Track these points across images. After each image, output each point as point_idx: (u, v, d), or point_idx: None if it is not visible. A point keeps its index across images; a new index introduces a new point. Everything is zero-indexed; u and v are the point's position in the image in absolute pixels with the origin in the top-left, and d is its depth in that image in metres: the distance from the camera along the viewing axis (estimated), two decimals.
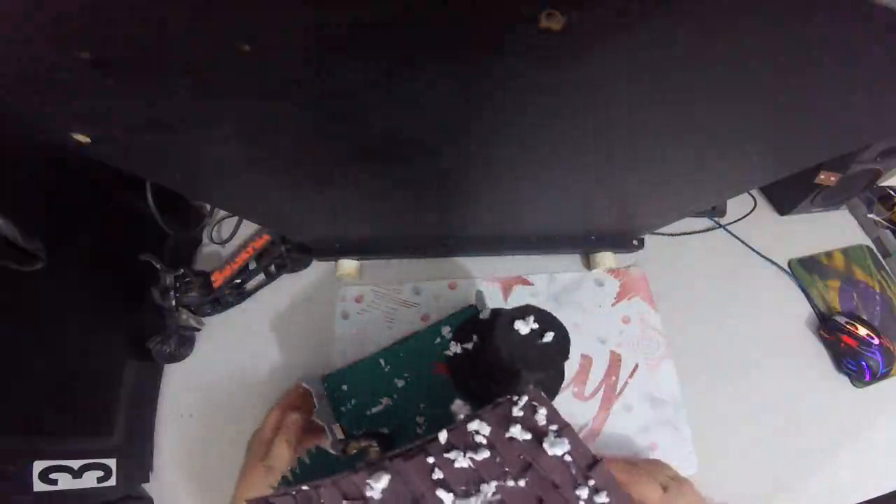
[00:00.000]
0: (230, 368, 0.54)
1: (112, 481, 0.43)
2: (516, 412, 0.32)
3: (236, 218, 0.61)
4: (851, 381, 0.54)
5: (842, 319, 0.55)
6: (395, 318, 0.55)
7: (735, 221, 0.63)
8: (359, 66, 0.20)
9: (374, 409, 0.47)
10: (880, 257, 0.63)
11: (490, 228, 0.53)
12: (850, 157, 0.53)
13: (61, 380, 0.42)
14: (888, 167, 0.56)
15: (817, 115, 0.25)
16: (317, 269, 0.60)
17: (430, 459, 0.29)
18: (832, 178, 0.55)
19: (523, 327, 0.38)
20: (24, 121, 0.27)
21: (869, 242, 0.64)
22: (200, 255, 0.61)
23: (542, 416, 0.32)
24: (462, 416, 0.34)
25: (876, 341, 0.52)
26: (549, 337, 0.38)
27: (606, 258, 0.58)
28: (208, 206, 0.63)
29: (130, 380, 0.49)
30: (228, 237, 0.61)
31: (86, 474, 0.41)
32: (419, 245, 0.58)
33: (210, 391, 0.53)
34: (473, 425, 0.31)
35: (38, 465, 0.38)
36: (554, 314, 0.39)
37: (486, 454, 0.29)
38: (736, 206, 0.64)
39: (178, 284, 0.52)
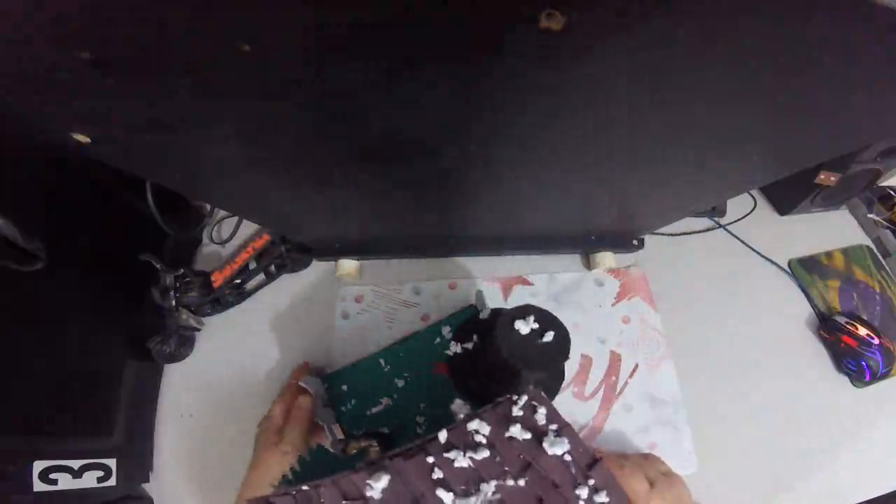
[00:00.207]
0: (230, 368, 0.54)
1: (112, 481, 0.43)
2: (516, 412, 0.32)
3: (236, 218, 0.61)
4: (851, 381, 0.54)
5: (842, 319, 0.55)
6: (395, 318, 0.55)
7: (735, 221, 0.63)
8: (359, 66, 0.20)
9: (374, 409, 0.47)
10: (880, 257, 0.63)
11: (490, 228, 0.53)
12: (850, 157, 0.53)
13: (61, 380, 0.42)
14: (888, 167, 0.56)
15: (817, 116, 0.25)
16: (317, 269, 0.60)
17: (430, 459, 0.29)
18: (832, 178, 0.55)
19: (523, 327, 0.38)
20: (24, 121, 0.27)
21: (869, 242, 0.64)
22: (200, 255, 0.61)
23: (541, 415, 0.32)
24: (462, 416, 0.34)
25: (876, 341, 0.52)
26: (549, 336, 0.38)
27: (606, 258, 0.58)
28: (208, 206, 0.63)
29: (130, 380, 0.49)
30: (228, 237, 0.61)
31: (86, 474, 0.41)
32: (419, 245, 0.58)
33: (210, 391, 0.53)
34: (473, 425, 0.31)
35: (38, 465, 0.38)
36: (554, 314, 0.39)
37: (485, 454, 0.29)
38: (736, 206, 0.64)
39: (178, 284, 0.52)
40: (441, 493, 0.27)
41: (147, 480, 0.48)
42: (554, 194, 0.41)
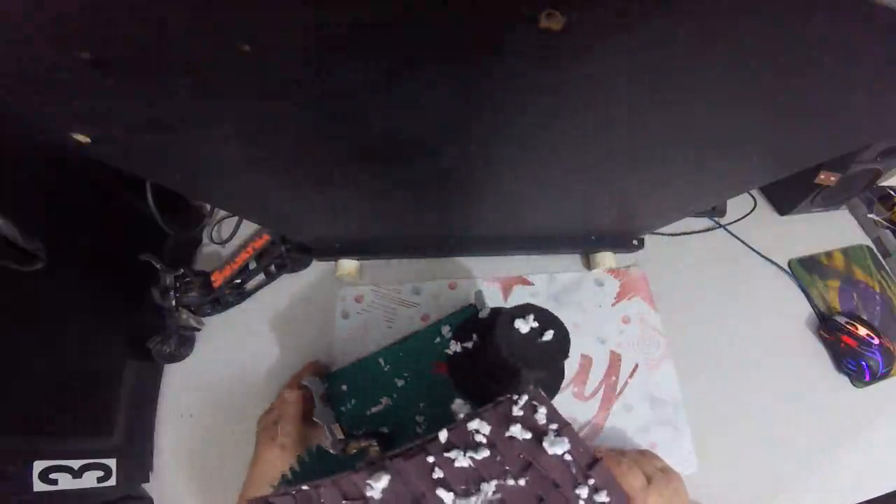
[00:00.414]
0: (230, 368, 0.54)
1: (112, 481, 0.44)
2: (516, 411, 0.32)
3: (236, 218, 0.61)
4: (851, 381, 0.54)
5: (842, 319, 0.55)
6: (395, 317, 0.55)
7: (735, 221, 0.63)
8: (359, 66, 0.20)
9: (374, 409, 0.47)
10: (880, 257, 0.63)
11: (490, 228, 0.53)
12: (850, 157, 0.53)
13: (61, 380, 0.42)
14: (888, 167, 0.56)
15: (817, 116, 0.25)
16: (317, 269, 0.60)
17: (430, 459, 0.29)
18: (832, 178, 0.55)
19: (523, 326, 0.38)
20: (24, 121, 0.27)
21: (869, 242, 0.64)
22: (200, 255, 0.61)
23: (542, 415, 0.32)
24: (462, 416, 0.34)
25: (876, 341, 0.52)
26: (549, 335, 0.38)
27: (606, 258, 0.58)
28: (208, 206, 0.63)
29: (130, 380, 0.49)
30: (228, 237, 0.61)
31: (86, 474, 0.41)
32: (419, 245, 0.58)
33: (210, 391, 0.53)
34: (473, 424, 0.31)
35: (38, 465, 0.38)
36: (554, 313, 0.39)
37: (486, 453, 0.29)
38: (736, 206, 0.64)
39: (178, 284, 0.52)
40: (441, 492, 0.27)
41: (147, 480, 0.48)
42: (554, 194, 0.41)
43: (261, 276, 0.57)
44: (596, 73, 0.21)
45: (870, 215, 0.64)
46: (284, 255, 0.56)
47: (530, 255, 0.59)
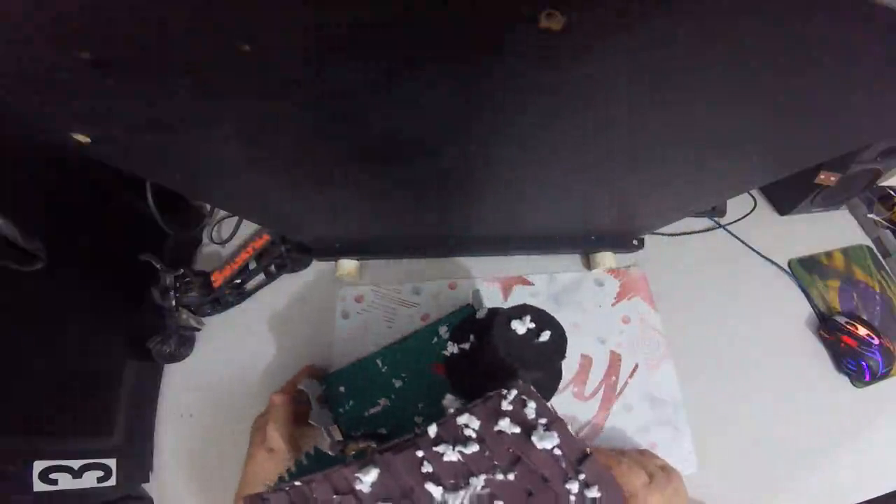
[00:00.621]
0: (230, 368, 0.54)
1: (112, 481, 0.43)
2: (505, 406, 0.32)
3: (236, 218, 0.61)
4: (851, 381, 0.54)
5: (842, 319, 0.55)
6: (395, 317, 0.55)
7: (735, 221, 0.63)
8: (359, 66, 0.20)
9: (372, 410, 0.47)
10: (880, 257, 0.63)
11: (490, 228, 0.53)
12: (850, 157, 0.53)
13: (61, 380, 0.42)
14: (888, 167, 0.56)
15: (817, 116, 0.25)
16: (317, 269, 0.60)
17: (420, 453, 0.29)
18: (832, 178, 0.55)
19: (520, 326, 0.38)
20: (24, 121, 0.27)
21: (869, 242, 0.64)
22: (200, 255, 0.61)
23: (531, 409, 0.32)
24: (452, 410, 0.34)
25: (876, 341, 0.52)
26: (545, 336, 0.38)
27: (606, 258, 0.57)
28: (208, 206, 0.63)
29: (130, 380, 0.49)
30: (228, 237, 0.61)
31: (86, 474, 0.41)
32: (419, 245, 0.58)
33: (210, 391, 0.53)
34: (463, 419, 0.31)
35: (38, 465, 0.38)
36: (554, 314, 0.39)
37: (475, 448, 0.29)
38: (736, 206, 0.64)
39: (178, 284, 0.52)
40: (430, 486, 0.27)
41: (147, 480, 0.48)
42: (554, 194, 0.41)
43: (261, 276, 0.57)
44: (596, 73, 0.21)
45: (870, 215, 0.64)
46: (284, 255, 0.56)
47: (530, 255, 0.59)
